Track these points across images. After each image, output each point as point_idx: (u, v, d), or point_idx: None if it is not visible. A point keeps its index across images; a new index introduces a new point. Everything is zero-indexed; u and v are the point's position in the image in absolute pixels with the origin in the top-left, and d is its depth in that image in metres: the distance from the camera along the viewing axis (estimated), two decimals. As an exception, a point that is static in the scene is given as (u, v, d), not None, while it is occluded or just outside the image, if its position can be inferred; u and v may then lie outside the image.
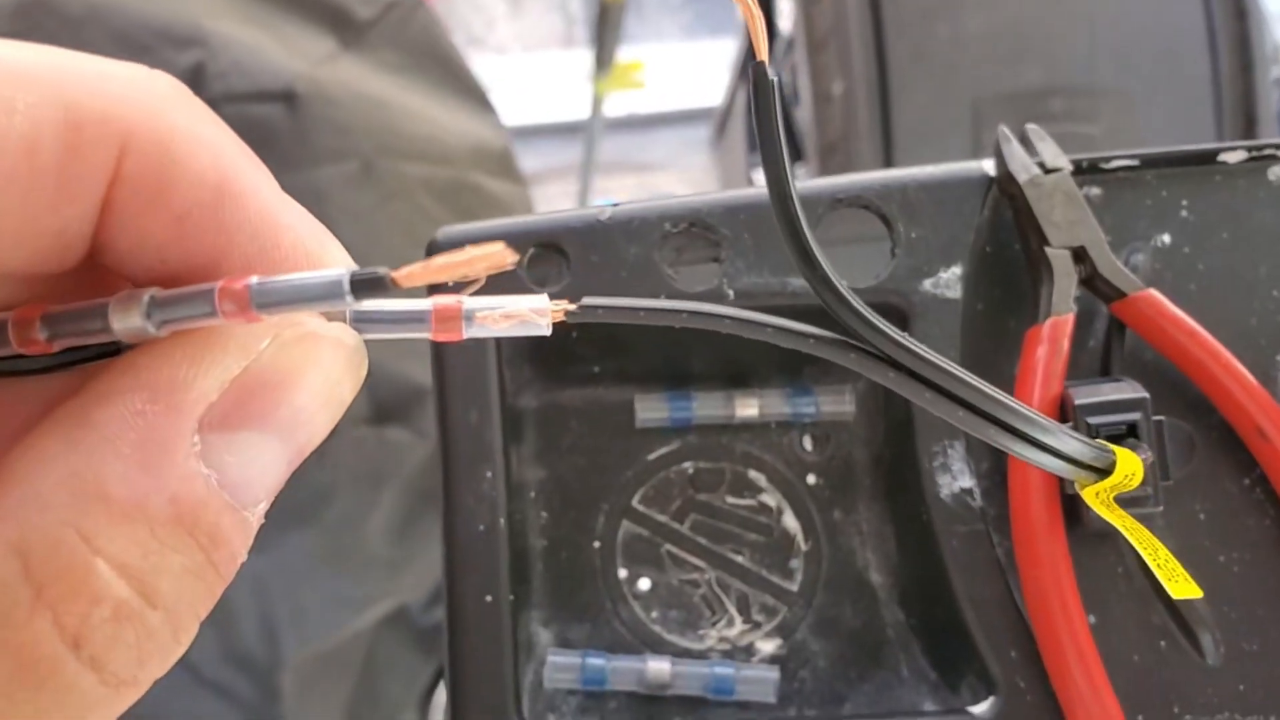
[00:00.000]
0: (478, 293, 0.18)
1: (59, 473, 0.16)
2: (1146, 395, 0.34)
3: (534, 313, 0.19)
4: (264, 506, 0.18)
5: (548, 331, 0.19)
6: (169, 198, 0.17)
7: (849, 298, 0.20)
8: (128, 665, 0.17)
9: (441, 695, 0.87)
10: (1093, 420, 0.33)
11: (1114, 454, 0.24)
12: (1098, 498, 0.26)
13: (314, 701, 0.80)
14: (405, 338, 0.19)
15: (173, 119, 0.17)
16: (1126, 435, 0.34)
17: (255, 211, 0.18)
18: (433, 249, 0.37)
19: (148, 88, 0.17)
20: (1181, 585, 0.25)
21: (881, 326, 0.20)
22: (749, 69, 0.20)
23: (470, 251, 0.16)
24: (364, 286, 0.16)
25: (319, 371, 0.19)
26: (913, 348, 0.20)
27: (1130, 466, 0.24)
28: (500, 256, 0.16)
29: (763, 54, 0.19)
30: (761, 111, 0.20)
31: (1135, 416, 0.33)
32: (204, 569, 0.17)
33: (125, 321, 0.17)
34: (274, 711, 0.78)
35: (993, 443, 0.21)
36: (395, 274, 0.16)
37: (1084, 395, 0.34)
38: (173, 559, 0.17)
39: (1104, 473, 0.24)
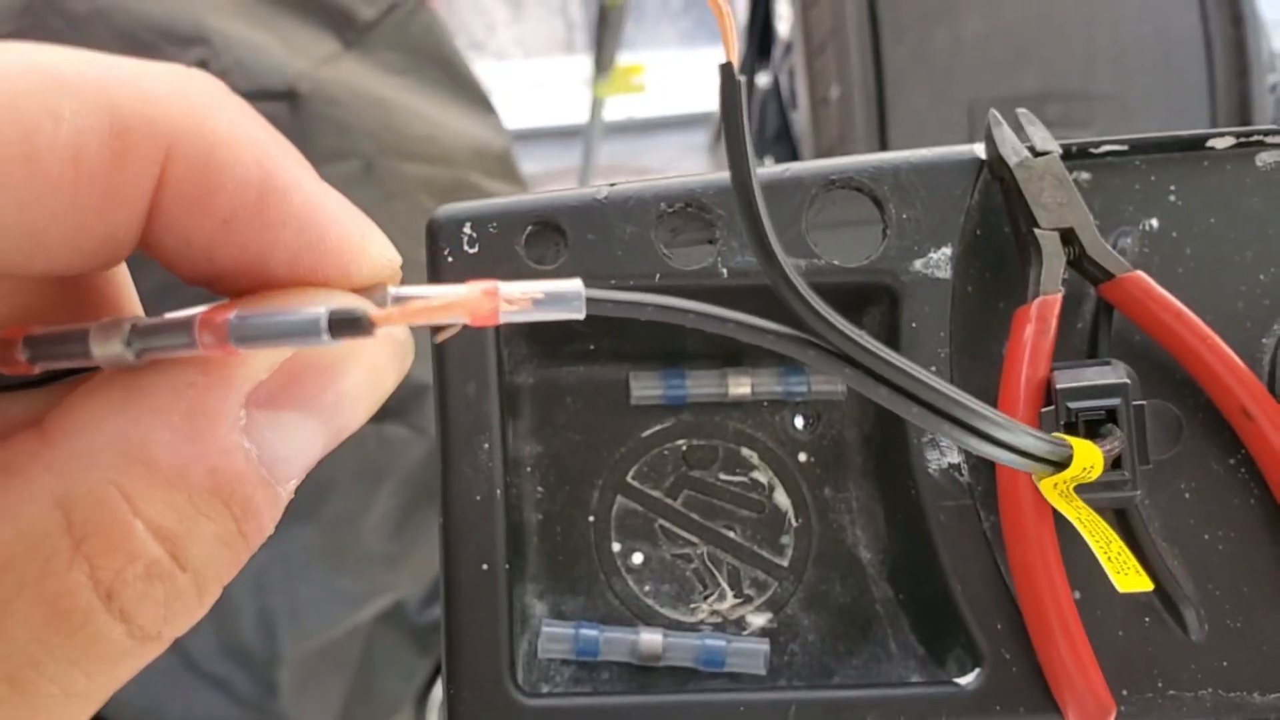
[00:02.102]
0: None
1: (107, 433, 0.17)
2: (1127, 381, 0.34)
3: (569, 295, 0.19)
4: (295, 484, 0.19)
5: (581, 315, 0.19)
6: (214, 201, 0.18)
7: (808, 297, 0.20)
8: (154, 621, 0.17)
9: (437, 692, 0.87)
10: (1073, 404, 0.34)
11: (1071, 448, 0.24)
12: (1055, 489, 0.26)
13: (311, 696, 0.80)
14: (441, 323, 0.20)
15: (215, 122, 0.18)
16: (1106, 420, 0.34)
17: (299, 208, 0.18)
18: (432, 228, 0.37)
19: (189, 90, 0.18)
20: (1130, 578, 0.25)
21: (838, 324, 0.20)
22: (718, 69, 0.20)
23: (449, 295, 0.16)
24: (342, 326, 0.16)
25: (366, 360, 0.19)
26: (868, 346, 0.20)
27: (1088, 459, 0.24)
28: (477, 304, 0.16)
29: (731, 55, 0.20)
30: (727, 111, 0.20)
31: (1115, 402, 0.34)
32: (233, 538, 0.18)
33: (105, 348, 0.17)
34: (270, 705, 0.78)
35: (947, 437, 0.21)
36: (373, 314, 0.16)
37: (1066, 379, 0.34)
38: (206, 526, 0.18)
39: (1061, 466, 0.24)
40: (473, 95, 0.96)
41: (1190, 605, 0.36)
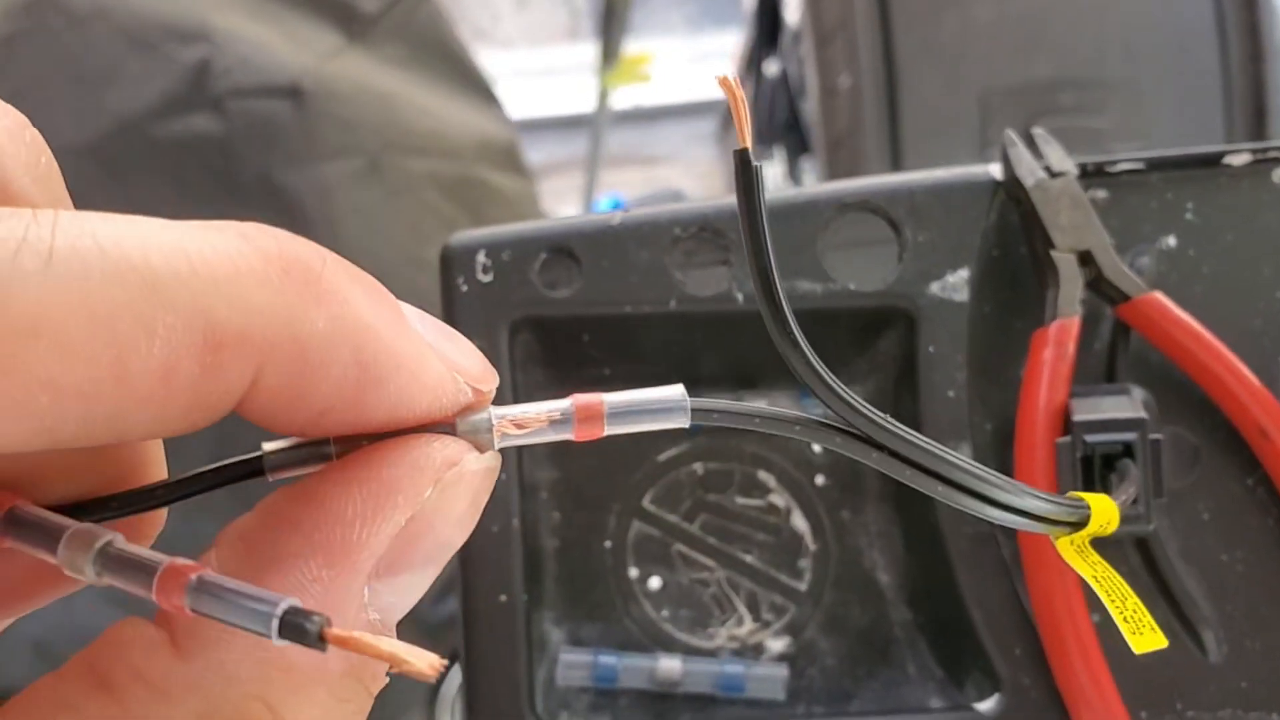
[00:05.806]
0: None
1: (243, 643, 0.17)
2: (1144, 415, 0.34)
3: (675, 404, 0.19)
4: None
5: (687, 423, 0.19)
6: (309, 400, 0.17)
7: (837, 387, 0.20)
8: None
9: (448, 689, 0.88)
10: (1090, 438, 0.34)
11: (1088, 508, 0.24)
12: (1072, 545, 0.26)
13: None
14: (544, 441, 0.20)
15: (313, 323, 0.17)
16: (1123, 454, 0.34)
17: (397, 390, 0.18)
18: (446, 256, 0.37)
19: (286, 289, 0.16)
20: (1145, 638, 0.25)
21: (867, 412, 0.20)
22: (732, 155, 0.19)
23: (397, 647, 0.16)
24: (291, 633, 0.16)
25: (466, 496, 0.19)
26: (896, 430, 0.20)
27: (1105, 515, 0.24)
28: (419, 667, 0.16)
29: (746, 140, 0.19)
30: (745, 201, 0.19)
31: (1131, 436, 0.34)
32: (365, 703, 0.18)
33: (71, 559, 0.17)
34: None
35: (972, 512, 0.21)
36: (326, 630, 0.16)
37: (1084, 410, 0.34)
38: (345, 708, 0.18)
39: (1080, 526, 0.24)
40: (477, 87, 0.95)
41: (1208, 626, 0.36)
